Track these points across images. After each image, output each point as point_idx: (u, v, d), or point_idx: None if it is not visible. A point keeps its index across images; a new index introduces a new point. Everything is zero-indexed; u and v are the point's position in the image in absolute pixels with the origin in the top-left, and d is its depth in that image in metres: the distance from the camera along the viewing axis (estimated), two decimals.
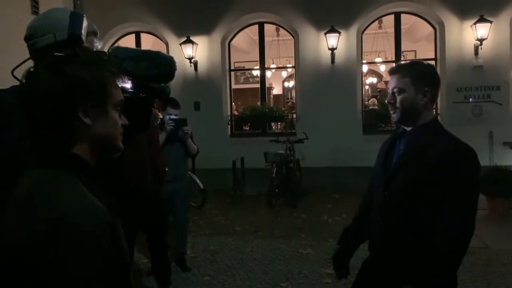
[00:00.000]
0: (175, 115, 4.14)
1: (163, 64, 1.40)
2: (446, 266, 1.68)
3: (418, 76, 1.82)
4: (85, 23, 1.48)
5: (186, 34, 8.74)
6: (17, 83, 1.51)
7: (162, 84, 1.43)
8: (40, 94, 0.96)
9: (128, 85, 1.09)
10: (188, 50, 8.67)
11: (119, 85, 1.07)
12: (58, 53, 1.04)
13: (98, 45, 1.58)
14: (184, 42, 8.68)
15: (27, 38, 1.53)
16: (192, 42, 8.71)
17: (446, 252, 1.67)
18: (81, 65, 0.99)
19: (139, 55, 1.36)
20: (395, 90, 1.83)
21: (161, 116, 4.22)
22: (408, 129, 1.88)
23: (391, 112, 1.87)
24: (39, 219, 0.89)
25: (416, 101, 1.81)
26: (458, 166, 1.70)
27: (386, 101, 1.90)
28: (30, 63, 1.53)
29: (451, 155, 1.72)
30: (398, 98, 1.82)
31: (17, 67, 1.46)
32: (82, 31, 1.46)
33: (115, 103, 1.05)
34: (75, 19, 1.45)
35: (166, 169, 3.47)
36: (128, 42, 9.35)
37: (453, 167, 1.70)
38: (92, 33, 1.53)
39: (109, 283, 0.91)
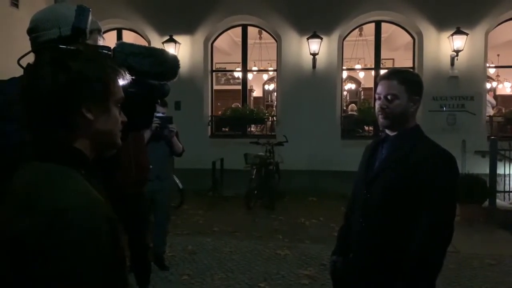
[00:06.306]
0: (163, 113, 4.10)
1: (167, 62, 1.41)
2: (426, 269, 1.72)
3: (412, 84, 1.89)
4: (90, 18, 1.47)
5: (169, 33, 8.71)
6: (16, 74, 1.50)
7: (164, 82, 1.44)
8: (44, 89, 0.95)
9: (131, 81, 1.09)
10: (170, 49, 8.60)
11: (121, 82, 1.09)
12: (61, 45, 1.03)
13: (101, 43, 1.57)
14: (167, 41, 8.64)
15: (30, 31, 1.50)
16: (175, 41, 8.67)
17: (425, 256, 1.71)
18: (85, 61, 0.99)
19: (143, 52, 1.37)
20: (389, 96, 1.86)
21: None
22: (392, 134, 1.93)
23: (381, 116, 1.89)
24: (41, 211, 0.89)
25: (407, 108, 1.87)
26: (438, 172, 1.76)
27: (378, 105, 1.91)
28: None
29: (431, 160, 1.79)
30: (392, 104, 1.85)
31: (22, 57, 1.44)
32: (88, 26, 1.44)
33: (116, 100, 1.07)
34: (81, 12, 1.43)
35: (150, 166, 3.45)
36: (109, 38, 9.22)
37: (433, 173, 1.75)
38: (96, 30, 1.53)
39: (105, 278, 0.91)
